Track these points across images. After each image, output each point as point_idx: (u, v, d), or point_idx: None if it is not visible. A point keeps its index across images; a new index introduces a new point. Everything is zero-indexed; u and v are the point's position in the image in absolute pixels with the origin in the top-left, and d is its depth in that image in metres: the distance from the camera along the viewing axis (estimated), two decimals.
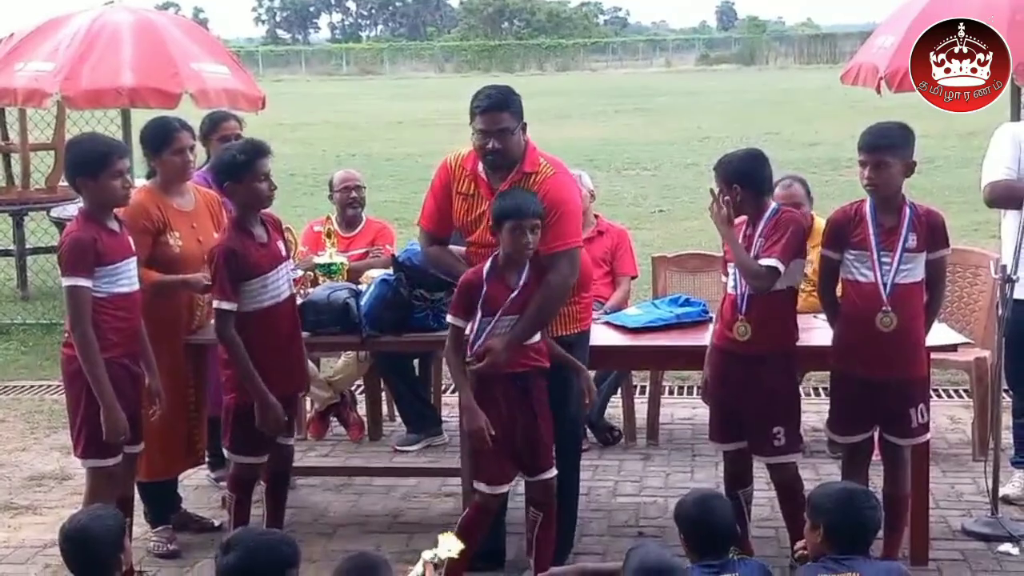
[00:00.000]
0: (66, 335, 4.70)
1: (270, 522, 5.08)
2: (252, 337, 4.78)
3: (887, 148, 4.69)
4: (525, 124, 4.80)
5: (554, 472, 4.78)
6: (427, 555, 4.09)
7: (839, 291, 4.88)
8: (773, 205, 4.79)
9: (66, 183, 10.52)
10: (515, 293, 4.60)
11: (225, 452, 5.02)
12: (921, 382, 4.84)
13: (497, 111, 4.73)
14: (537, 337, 4.68)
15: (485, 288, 4.59)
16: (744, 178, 4.72)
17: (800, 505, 4.80)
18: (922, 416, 4.81)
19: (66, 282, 4.56)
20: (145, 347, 4.82)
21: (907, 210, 4.72)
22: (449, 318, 4.68)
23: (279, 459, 5.09)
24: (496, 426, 4.61)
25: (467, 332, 4.65)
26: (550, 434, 4.77)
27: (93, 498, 4.65)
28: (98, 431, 4.61)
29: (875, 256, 4.70)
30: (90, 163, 4.63)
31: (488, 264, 4.62)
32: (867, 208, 4.75)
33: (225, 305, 4.75)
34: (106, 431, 4.59)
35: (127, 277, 4.67)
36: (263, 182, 4.83)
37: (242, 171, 4.80)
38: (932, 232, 4.75)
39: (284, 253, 4.97)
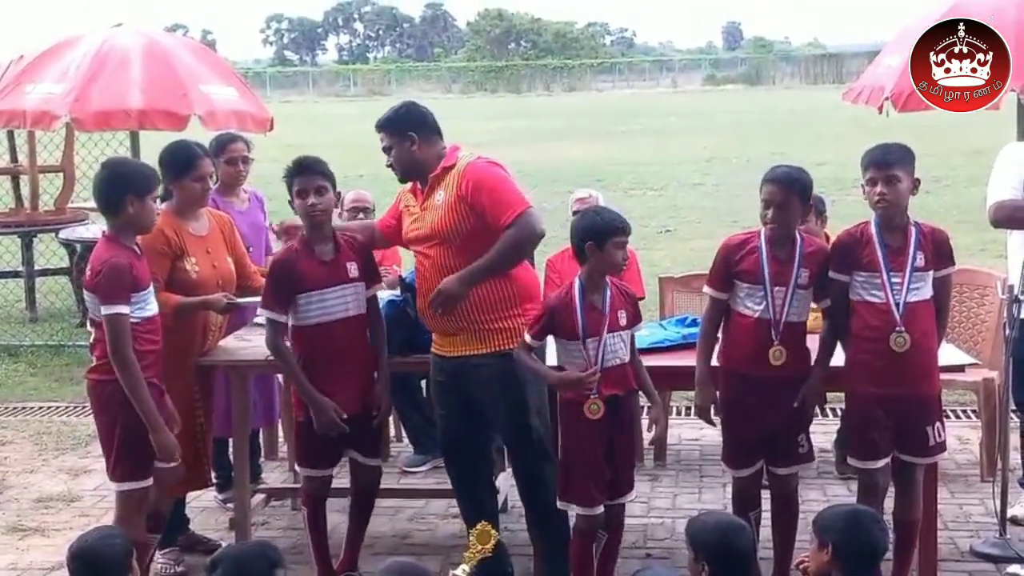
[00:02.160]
0: (93, 362, 4.66)
1: (349, 536, 5.22)
2: (305, 350, 4.90)
3: (896, 163, 4.70)
4: (413, 137, 4.88)
5: (634, 495, 4.84)
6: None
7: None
8: None
9: (75, 205, 10.77)
10: (606, 314, 4.62)
11: (296, 467, 5.19)
12: (936, 398, 4.82)
13: (377, 131, 4.96)
14: (627, 358, 4.68)
15: (580, 314, 4.58)
16: (805, 192, 4.76)
17: (796, 517, 4.89)
18: (939, 434, 4.78)
19: (106, 311, 4.49)
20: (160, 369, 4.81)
21: (912, 229, 4.73)
22: (525, 335, 4.67)
23: (360, 479, 5.20)
24: (591, 446, 4.60)
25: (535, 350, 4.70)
26: (633, 457, 4.85)
27: (125, 521, 4.64)
28: (134, 454, 4.61)
29: (885, 277, 4.69)
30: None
31: (576, 290, 4.62)
32: (872, 229, 4.75)
33: (270, 315, 4.88)
34: (159, 452, 4.60)
35: (150, 302, 4.68)
36: (302, 199, 4.92)
37: (289, 189, 4.95)
38: (938, 250, 4.76)
39: (355, 275, 4.99)
